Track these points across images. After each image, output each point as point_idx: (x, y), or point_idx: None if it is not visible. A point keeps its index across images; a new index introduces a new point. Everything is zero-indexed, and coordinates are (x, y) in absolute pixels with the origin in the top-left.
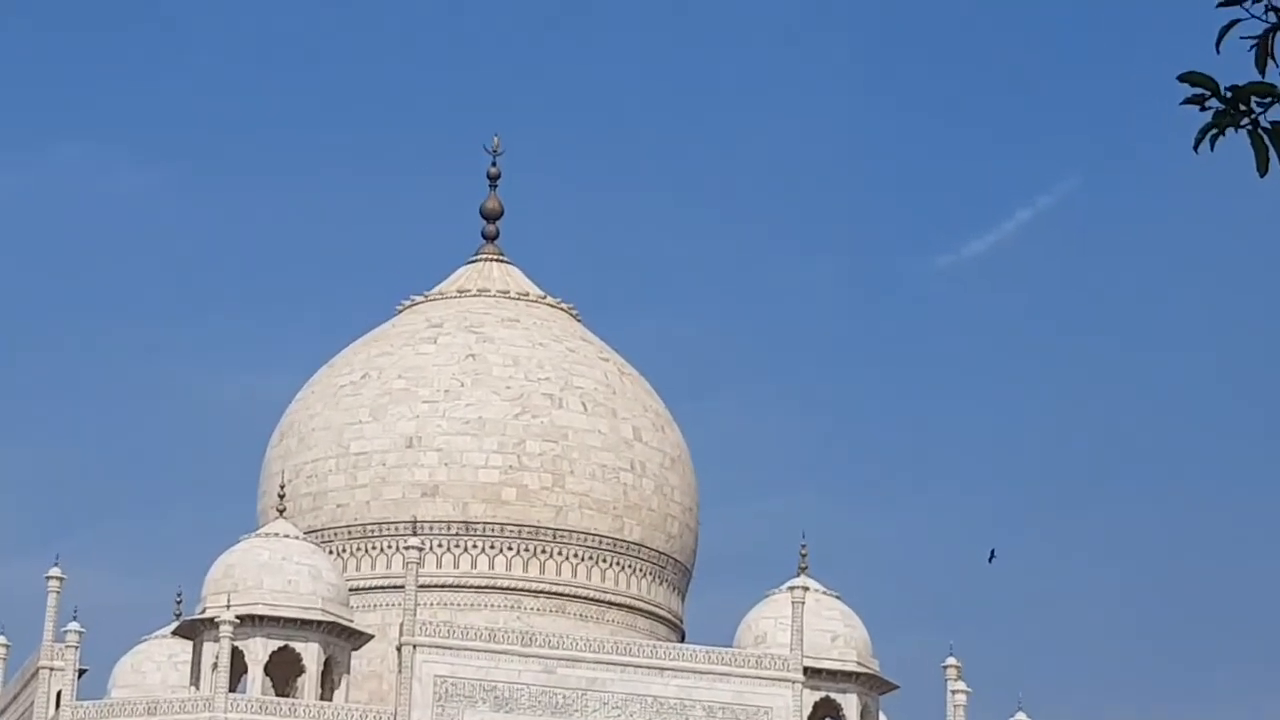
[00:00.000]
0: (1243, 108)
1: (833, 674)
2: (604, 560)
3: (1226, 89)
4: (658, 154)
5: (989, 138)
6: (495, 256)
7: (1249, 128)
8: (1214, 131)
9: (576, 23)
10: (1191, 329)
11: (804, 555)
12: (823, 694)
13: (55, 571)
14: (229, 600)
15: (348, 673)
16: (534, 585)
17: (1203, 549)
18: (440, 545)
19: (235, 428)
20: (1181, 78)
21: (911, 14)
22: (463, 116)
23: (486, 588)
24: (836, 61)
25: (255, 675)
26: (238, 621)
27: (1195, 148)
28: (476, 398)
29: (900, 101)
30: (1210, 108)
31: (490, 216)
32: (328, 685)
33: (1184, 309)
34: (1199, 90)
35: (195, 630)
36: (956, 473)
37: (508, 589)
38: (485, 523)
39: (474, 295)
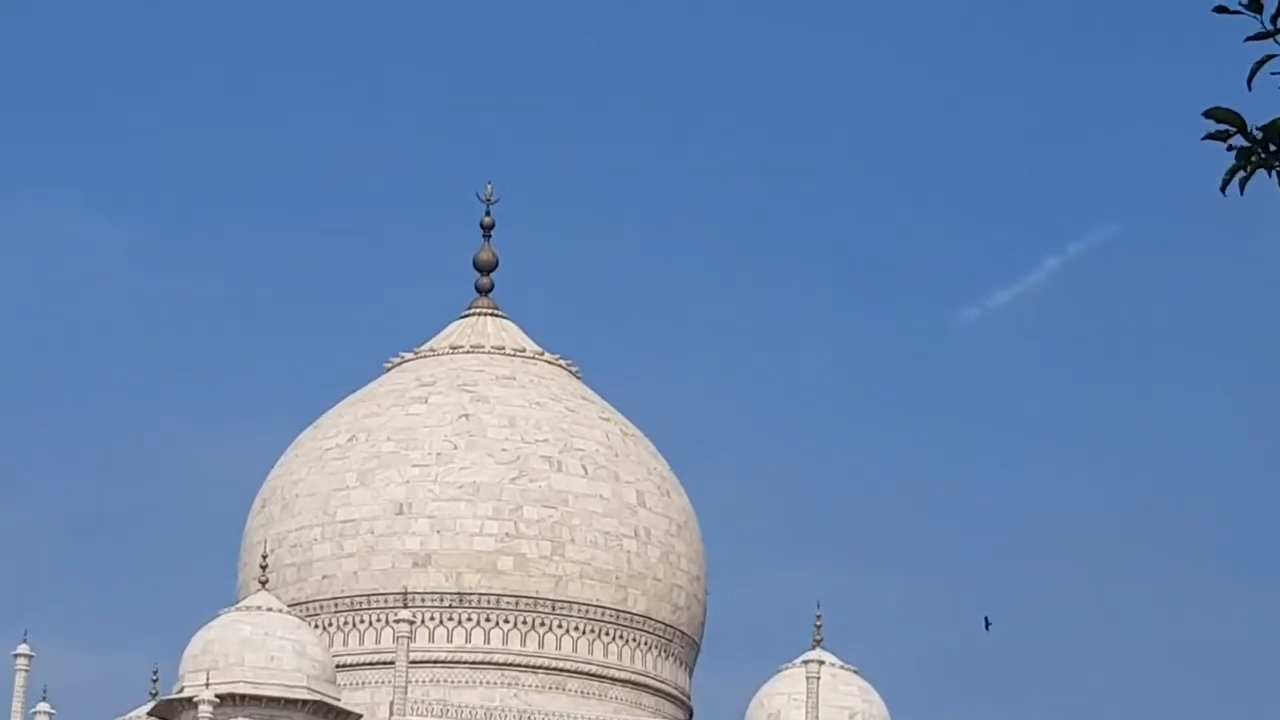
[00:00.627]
0: (1274, 147)
1: None
2: (606, 633)
3: (1256, 128)
4: (661, 204)
5: (1015, 182)
6: (490, 311)
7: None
8: (1242, 174)
9: (574, 65)
10: (1231, 391)
11: (819, 627)
12: None
13: (23, 649)
14: (208, 678)
15: None
16: (532, 660)
17: (1233, 625)
18: (432, 618)
19: (214, 494)
20: (1207, 113)
21: (928, 53)
22: (454, 163)
23: (481, 663)
24: (851, 107)
25: None
26: (218, 701)
27: (1223, 189)
28: (470, 461)
29: (921, 147)
30: (1235, 146)
31: (484, 268)
32: None
33: (1223, 369)
34: (1224, 127)
35: (173, 710)
36: (981, 537)
37: (504, 664)
38: (480, 594)
39: (467, 352)
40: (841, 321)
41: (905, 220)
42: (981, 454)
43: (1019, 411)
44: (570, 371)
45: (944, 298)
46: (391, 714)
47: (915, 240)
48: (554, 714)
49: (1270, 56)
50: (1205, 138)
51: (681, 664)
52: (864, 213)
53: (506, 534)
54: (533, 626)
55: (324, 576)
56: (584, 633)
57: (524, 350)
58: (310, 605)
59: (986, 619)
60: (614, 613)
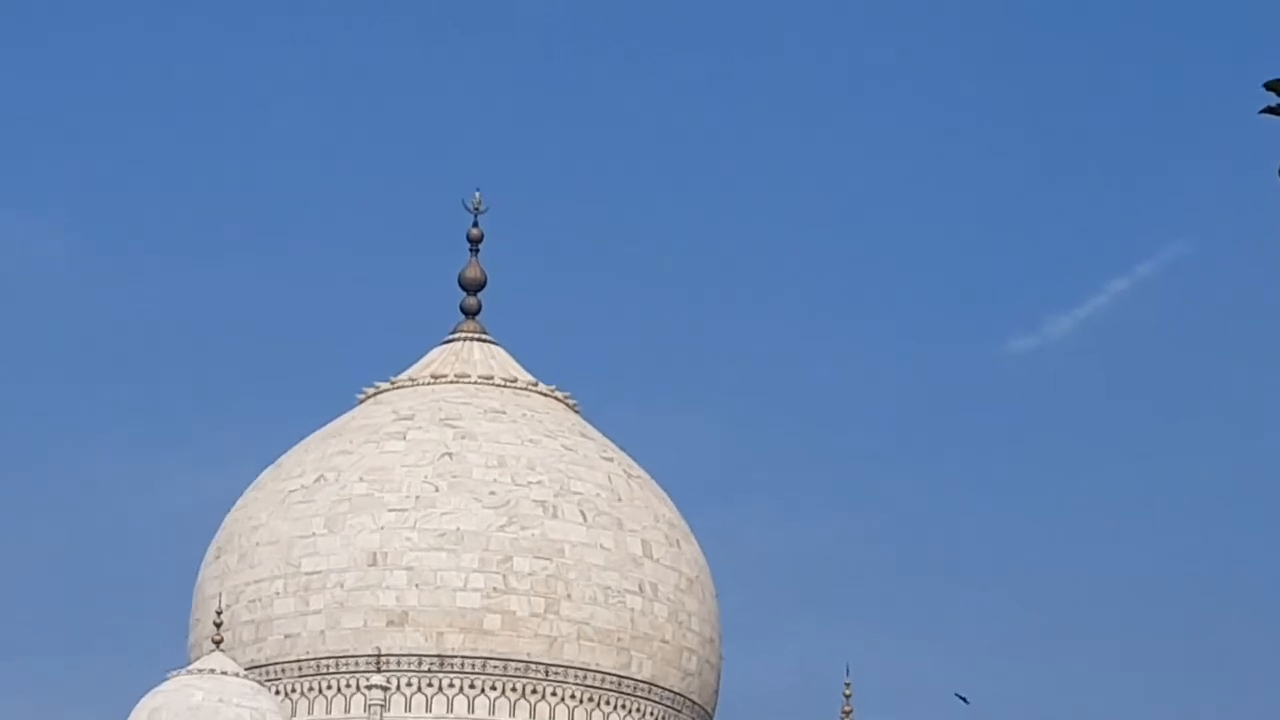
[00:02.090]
0: None
1: None
2: (607, 702)
3: None
4: (673, 216)
5: (1075, 194)
6: (476, 335)
7: None
8: None
9: (575, 66)
10: None
11: (848, 696)
12: None
13: None
14: None
15: None
16: None
17: None
18: (410, 684)
19: (163, 543)
20: (1269, 85)
21: (976, 57)
22: (437, 168)
23: None
24: (890, 112)
25: None
26: None
27: None
28: (454, 505)
29: (963, 154)
30: None
31: (471, 287)
32: None
33: None
34: None
35: None
36: (1036, 602)
37: None
38: (464, 656)
39: (451, 382)
40: (878, 353)
41: (949, 239)
42: (1039, 505)
43: (1081, 455)
44: (568, 404)
45: (993, 326)
46: None
47: (960, 261)
48: None
49: None
50: (1263, 111)
51: None
52: (902, 231)
53: (494, 589)
54: (523, 694)
55: (286, 636)
56: (581, 701)
57: (515, 380)
58: (271, 668)
59: (963, 697)
60: (615, 679)
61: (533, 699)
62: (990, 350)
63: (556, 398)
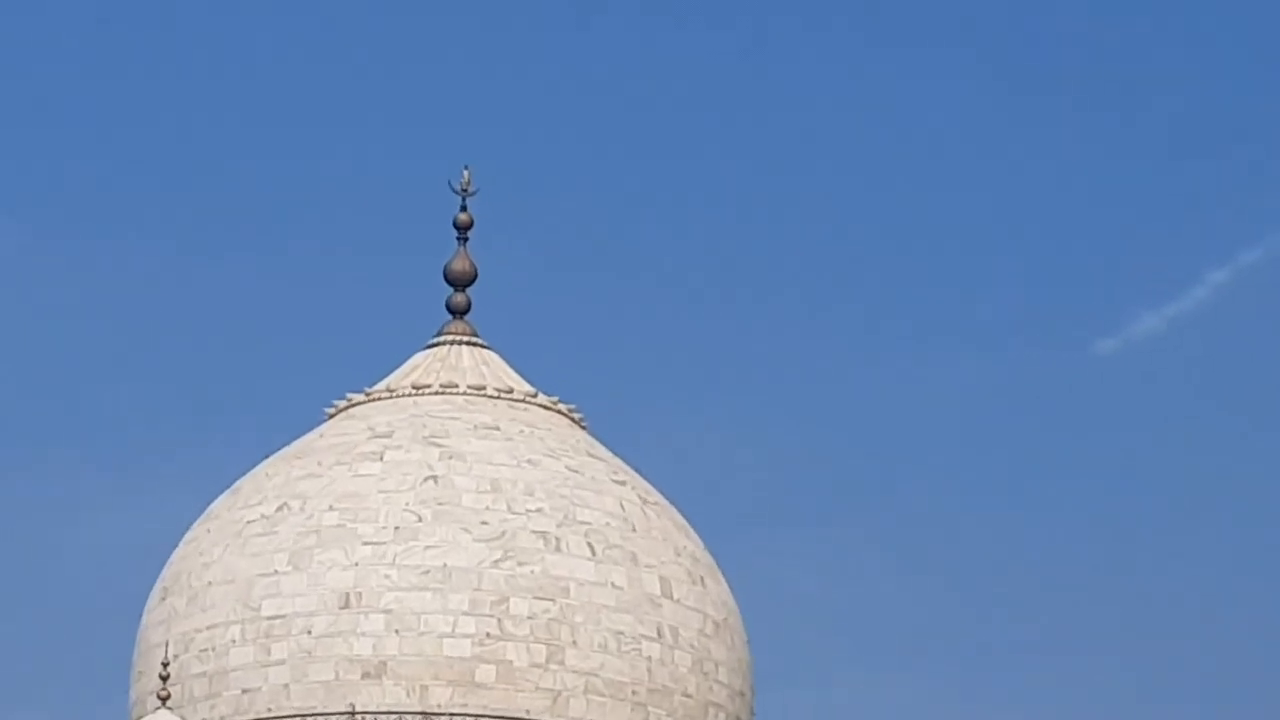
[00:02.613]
0: None
1: None
2: None
3: None
4: (698, 200)
5: (1167, 177)
6: (466, 338)
7: None
8: None
9: (574, 25)
10: None
11: None
12: None
13: None
14: None
15: None
16: None
17: None
18: None
19: (100, 583)
20: None
21: (1055, 32)
22: (420, 143)
23: None
24: (951, 95)
25: None
26: None
27: None
28: (439, 538)
29: (1043, 132)
30: None
31: (459, 282)
32: None
33: None
34: None
35: None
36: (1119, 646)
37: None
38: (453, 713)
39: (435, 393)
40: (936, 357)
41: (1021, 230)
42: (1124, 531)
43: (1174, 473)
44: (572, 419)
45: (1075, 326)
46: None
47: (1034, 254)
48: None
49: None
50: None
51: None
52: (967, 219)
53: (487, 635)
54: None
55: (244, 691)
56: None
57: (511, 391)
58: None
59: None
60: None
61: None
62: (1070, 353)
63: (559, 411)
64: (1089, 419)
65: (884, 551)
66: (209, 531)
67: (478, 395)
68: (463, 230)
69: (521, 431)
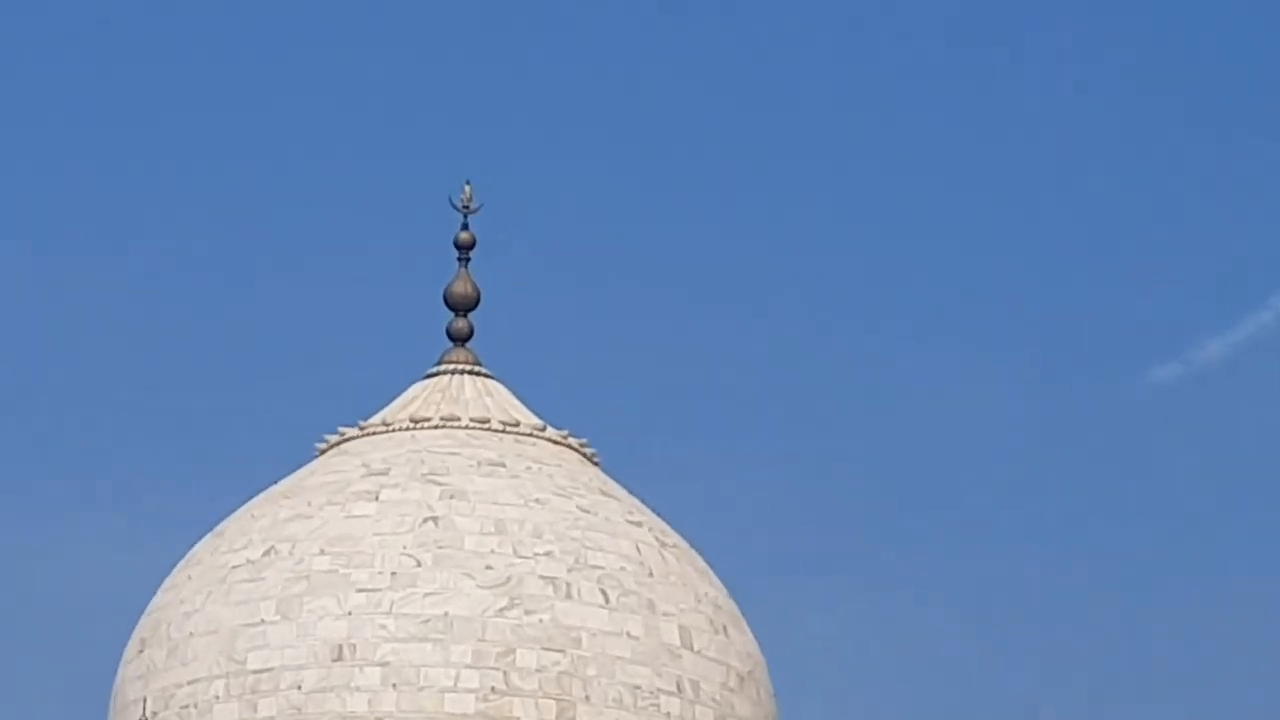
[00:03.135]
0: None
1: None
2: None
3: None
4: (719, 216)
5: (1230, 193)
6: (468, 367)
7: None
8: None
9: (581, 30)
10: None
11: None
12: None
13: None
14: None
15: None
16: None
17: None
18: None
19: (73, 633)
20: None
21: (1133, 39)
22: (417, 156)
23: None
24: (996, 104)
25: None
26: None
27: None
28: (440, 584)
29: (1101, 145)
30: None
31: (460, 306)
32: None
33: None
34: None
35: None
36: (1186, 694)
37: None
38: None
39: (435, 426)
40: (981, 388)
41: (1073, 250)
42: (1191, 572)
43: (1241, 512)
44: (584, 454)
45: (1131, 352)
46: None
47: (1088, 277)
48: None
49: None
50: None
51: None
52: (1013, 235)
53: (492, 689)
54: None
55: None
56: None
57: (517, 424)
58: None
59: None
60: None
61: None
62: (1126, 381)
63: (570, 446)
64: (1143, 450)
65: (919, 597)
66: (190, 578)
67: (481, 429)
68: (464, 250)
69: (529, 468)
